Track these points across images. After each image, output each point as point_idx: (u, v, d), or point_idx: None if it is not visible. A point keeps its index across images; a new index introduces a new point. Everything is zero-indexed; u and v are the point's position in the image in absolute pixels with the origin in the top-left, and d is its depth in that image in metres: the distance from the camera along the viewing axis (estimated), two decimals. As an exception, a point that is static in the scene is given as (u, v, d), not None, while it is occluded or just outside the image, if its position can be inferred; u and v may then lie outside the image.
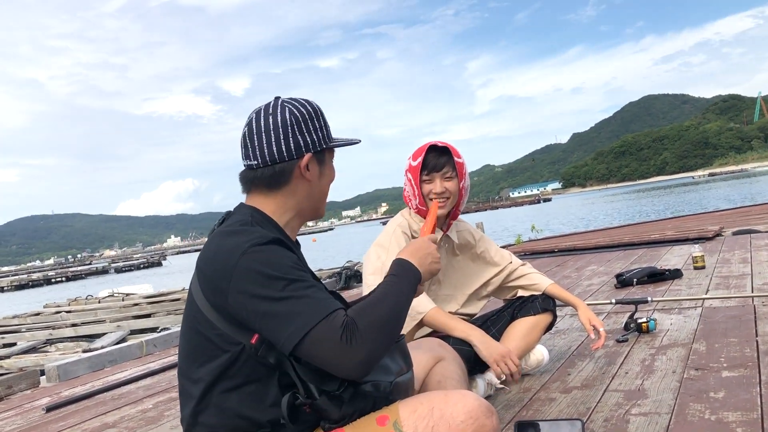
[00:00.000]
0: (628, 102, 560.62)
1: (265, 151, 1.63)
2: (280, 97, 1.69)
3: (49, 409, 3.81)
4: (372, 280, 2.73)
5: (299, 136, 1.63)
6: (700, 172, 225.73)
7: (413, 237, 2.87)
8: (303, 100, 1.69)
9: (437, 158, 2.80)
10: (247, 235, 1.51)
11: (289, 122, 1.63)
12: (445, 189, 2.79)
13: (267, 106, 1.67)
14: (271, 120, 1.64)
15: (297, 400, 1.50)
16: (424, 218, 2.87)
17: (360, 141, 1.83)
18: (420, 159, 2.81)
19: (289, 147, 1.63)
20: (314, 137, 1.65)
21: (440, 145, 2.83)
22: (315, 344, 1.39)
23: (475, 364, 2.73)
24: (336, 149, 1.77)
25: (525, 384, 3.00)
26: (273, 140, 1.63)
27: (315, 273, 1.67)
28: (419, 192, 2.82)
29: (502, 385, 2.87)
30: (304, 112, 1.65)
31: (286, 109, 1.65)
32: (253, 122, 1.65)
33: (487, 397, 2.77)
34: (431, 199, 2.81)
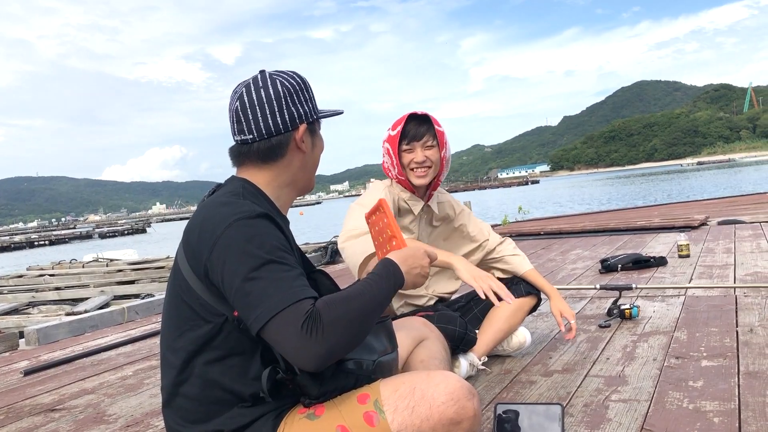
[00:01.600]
0: (621, 87, 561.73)
1: (261, 124, 1.61)
2: (265, 70, 1.67)
3: (28, 372, 3.79)
4: (348, 246, 2.53)
5: (293, 108, 1.62)
6: (688, 160, 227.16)
7: (398, 204, 2.84)
8: (290, 71, 1.68)
9: (417, 127, 2.74)
10: (235, 207, 1.49)
11: (282, 94, 1.61)
12: (425, 158, 2.75)
13: (255, 79, 1.64)
14: (263, 93, 1.61)
15: (278, 374, 1.49)
16: (406, 188, 2.84)
17: (342, 112, 1.83)
18: (399, 128, 2.75)
19: (284, 119, 1.61)
20: (306, 108, 1.65)
21: (420, 114, 2.78)
22: (278, 330, 1.36)
23: (458, 344, 2.73)
24: (322, 120, 1.77)
25: (506, 366, 3.00)
26: (268, 113, 1.60)
27: (300, 247, 1.66)
28: (398, 162, 2.76)
29: (483, 366, 2.87)
30: (294, 83, 1.64)
31: (277, 81, 1.62)
32: (245, 96, 1.62)
33: (469, 378, 2.78)
34: (412, 169, 2.77)
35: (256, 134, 1.61)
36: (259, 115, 1.61)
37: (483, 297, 2.42)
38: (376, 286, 1.50)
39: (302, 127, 1.63)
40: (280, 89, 1.61)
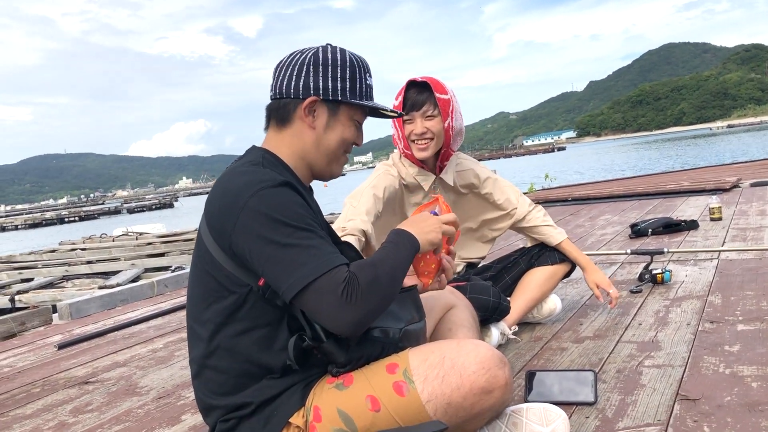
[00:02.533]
0: (648, 50, 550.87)
1: (278, 83, 1.61)
2: (329, 44, 1.63)
3: (61, 346, 3.84)
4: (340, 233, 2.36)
5: (311, 78, 1.58)
6: (718, 123, 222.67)
7: (402, 182, 2.73)
8: (347, 50, 1.62)
9: (416, 95, 2.55)
10: (256, 175, 1.47)
11: (307, 62, 1.59)
12: (426, 129, 2.56)
13: (313, 47, 1.63)
14: (297, 57, 1.61)
15: (304, 342, 1.48)
16: (414, 163, 2.70)
17: (398, 114, 1.74)
18: (401, 98, 2.57)
19: (297, 85, 1.59)
20: (329, 84, 1.58)
21: (419, 80, 2.57)
22: (315, 296, 1.36)
23: (491, 314, 2.68)
24: (372, 118, 1.72)
25: (536, 333, 2.97)
26: (286, 75, 1.60)
27: (327, 218, 1.64)
28: (403, 135, 2.62)
29: (514, 335, 2.84)
30: (330, 57, 1.59)
31: (319, 50, 1.60)
32: (286, 57, 1.63)
33: (499, 346, 2.75)
34: (413, 141, 2.60)
35: (274, 92, 1.62)
36: (280, 75, 1.61)
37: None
38: (395, 251, 1.50)
39: (309, 99, 1.58)
40: (310, 57, 1.59)
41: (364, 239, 2.36)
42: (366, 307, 1.37)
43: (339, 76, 1.59)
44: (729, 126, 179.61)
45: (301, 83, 1.58)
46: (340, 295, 1.35)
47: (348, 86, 1.60)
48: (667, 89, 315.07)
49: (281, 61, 1.63)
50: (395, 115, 1.73)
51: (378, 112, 1.70)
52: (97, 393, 2.87)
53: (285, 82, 1.59)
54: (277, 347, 1.51)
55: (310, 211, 1.48)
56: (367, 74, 1.65)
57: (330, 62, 1.58)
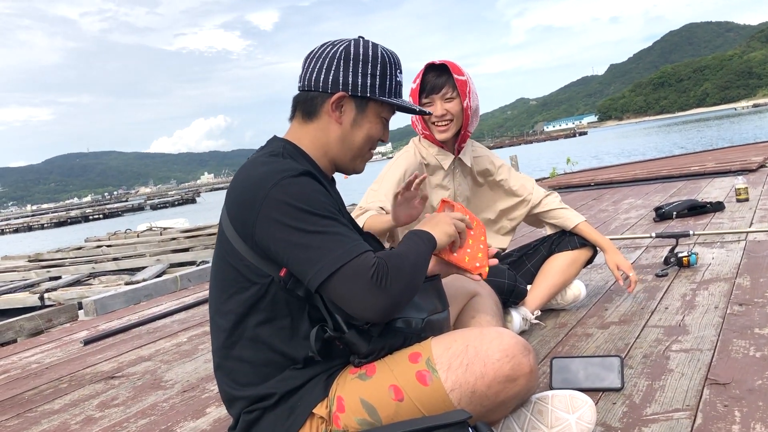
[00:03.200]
0: (669, 31, 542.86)
1: (307, 75, 1.59)
2: (362, 37, 1.61)
3: (87, 342, 3.88)
4: (360, 219, 2.41)
5: (341, 73, 1.55)
6: (743, 103, 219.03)
7: (423, 162, 2.73)
8: (378, 45, 1.60)
9: (436, 78, 2.58)
10: (277, 165, 1.46)
11: (338, 56, 1.56)
12: (446, 111, 2.59)
13: (345, 39, 1.61)
14: (328, 49, 1.58)
15: (326, 333, 1.47)
16: (433, 143, 2.72)
17: (420, 111, 1.71)
18: (419, 81, 2.59)
19: (326, 79, 1.56)
20: (358, 80, 1.56)
21: (438, 63, 2.61)
22: (344, 282, 1.35)
23: (507, 297, 2.66)
24: (401, 113, 1.70)
25: (560, 319, 2.93)
26: (316, 67, 1.58)
27: (348, 208, 1.62)
28: (420, 117, 2.65)
29: (537, 320, 2.81)
30: (362, 52, 1.56)
31: (351, 44, 1.58)
32: (317, 48, 1.61)
33: (522, 333, 2.72)
34: (433, 123, 2.63)
35: (303, 83, 1.60)
36: (309, 67, 1.59)
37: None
38: (415, 244, 1.50)
39: (338, 94, 1.55)
40: (341, 51, 1.56)
41: (384, 211, 2.41)
42: (395, 292, 1.36)
43: (369, 72, 1.56)
44: (755, 105, 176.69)
45: (330, 77, 1.56)
46: (371, 278, 1.34)
47: (378, 83, 1.57)
48: (689, 70, 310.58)
49: (312, 51, 1.61)
50: (425, 113, 1.71)
51: (406, 108, 1.68)
52: (122, 387, 2.89)
53: (314, 75, 1.57)
54: (299, 337, 1.50)
55: (332, 200, 1.47)
56: (398, 70, 1.62)
57: (361, 57, 1.56)
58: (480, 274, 1.67)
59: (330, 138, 1.59)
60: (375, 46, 1.59)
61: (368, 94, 1.57)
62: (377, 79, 1.57)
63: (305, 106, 1.60)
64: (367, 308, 1.36)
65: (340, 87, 1.55)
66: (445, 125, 2.63)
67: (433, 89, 2.58)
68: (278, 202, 1.39)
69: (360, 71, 1.55)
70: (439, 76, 2.59)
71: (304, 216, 1.38)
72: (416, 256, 1.46)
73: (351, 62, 1.55)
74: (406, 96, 1.70)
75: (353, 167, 1.66)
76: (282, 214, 1.39)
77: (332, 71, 1.55)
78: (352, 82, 1.55)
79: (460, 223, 1.63)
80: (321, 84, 1.56)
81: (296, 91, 1.64)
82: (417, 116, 2.67)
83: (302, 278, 1.40)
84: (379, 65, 1.57)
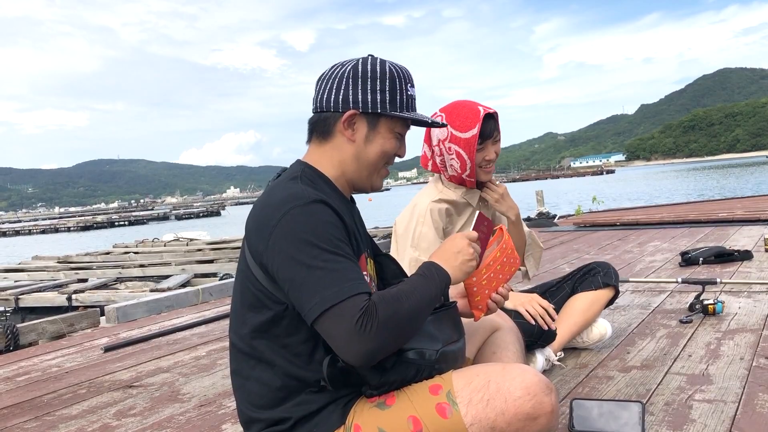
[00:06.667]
0: (702, 75, 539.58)
1: (318, 97, 1.62)
2: (371, 55, 1.63)
3: (107, 349, 3.91)
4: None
5: (351, 91, 1.57)
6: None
7: (448, 208, 2.68)
8: (387, 61, 1.61)
9: (492, 125, 2.63)
10: (292, 190, 1.48)
11: (347, 75, 1.58)
12: (495, 154, 2.67)
13: (354, 58, 1.62)
14: (337, 70, 1.61)
15: (338, 362, 1.46)
16: (460, 184, 2.68)
17: (434, 123, 1.69)
18: (477, 129, 2.58)
19: (337, 99, 1.58)
20: (368, 97, 1.57)
21: (491, 111, 2.64)
22: (331, 321, 1.35)
23: (536, 339, 2.64)
24: (414, 127, 1.69)
25: (581, 360, 2.91)
26: (327, 88, 1.60)
27: (369, 231, 1.62)
28: (473, 164, 2.61)
29: (559, 362, 2.79)
30: (370, 69, 1.58)
31: (359, 62, 1.60)
32: (328, 69, 1.63)
33: (543, 372, 2.70)
34: (481, 167, 2.63)
35: (315, 105, 1.63)
36: (321, 89, 1.61)
37: (533, 323, 2.61)
38: (423, 286, 1.47)
39: (349, 112, 1.57)
40: (350, 70, 1.58)
41: None
42: (379, 340, 1.34)
43: (378, 88, 1.58)
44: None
45: (341, 97, 1.58)
46: (355, 323, 1.33)
47: (388, 98, 1.58)
48: (721, 115, 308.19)
49: (323, 74, 1.64)
50: (437, 124, 1.70)
51: (421, 122, 1.69)
52: (140, 397, 2.90)
53: (325, 96, 1.60)
54: (315, 362, 1.50)
55: (342, 230, 1.47)
56: (409, 84, 1.62)
57: (369, 74, 1.58)
58: (476, 316, 1.67)
59: (345, 156, 1.61)
60: (383, 62, 1.60)
61: (378, 110, 1.58)
62: (387, 95, 1.58)
63: (320, 126, 1.62)
64: (347, 352, 1.36)
65: (351, 105, 1.57)
66: (491, 167, 2.68)
67: (489, 134, 2.63)
68: (286, 232, 1.41)
69: (369, 88, 1.57)
70: (493, 122, 2.63)
71: (308, 249, 1.39)
72: (418, 302, 1.43)
73: (360, 80, 1.57)
74: (421, 110, 1.70)
75: (370, 184, 1.67)
76: (288, 245, 1.41)
77: (342, 90, 1.58)
78: (362, 99, 1.57)
79: (476, 246, 1.59)
80: (332, 104, 1.59)
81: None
82: (466, 164, 2.61)
83: (300, 312, 1.42)
84: (388, 80, 1.58)
